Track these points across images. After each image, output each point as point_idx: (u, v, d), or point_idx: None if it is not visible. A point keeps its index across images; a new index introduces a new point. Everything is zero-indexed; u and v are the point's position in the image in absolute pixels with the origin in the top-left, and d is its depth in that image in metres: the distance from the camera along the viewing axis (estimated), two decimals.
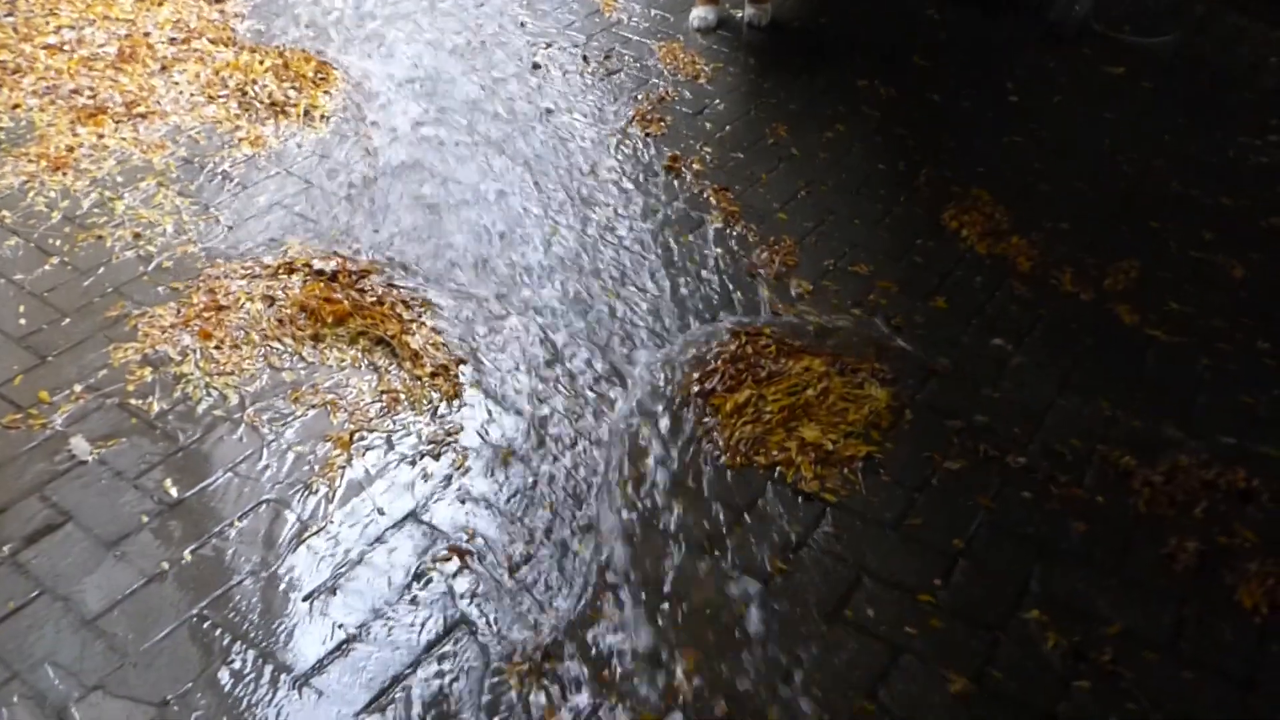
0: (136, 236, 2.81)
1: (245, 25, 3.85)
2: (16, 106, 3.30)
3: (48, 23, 3.75)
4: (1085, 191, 3.17)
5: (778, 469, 2.22)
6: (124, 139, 3.20)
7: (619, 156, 3.24)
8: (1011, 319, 2.67)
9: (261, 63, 3.58)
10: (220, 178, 3.07)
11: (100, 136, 3.19)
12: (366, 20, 3.94)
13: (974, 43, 4.01)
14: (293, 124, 3.31)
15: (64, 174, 3.03)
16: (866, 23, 4.13)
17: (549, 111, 3.40)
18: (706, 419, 2.34)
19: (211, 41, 3.72)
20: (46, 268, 2.71)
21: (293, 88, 3.46)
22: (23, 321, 2.54)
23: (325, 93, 3.46)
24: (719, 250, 2.87)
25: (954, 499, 2.19)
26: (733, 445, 2.27)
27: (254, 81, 3.48)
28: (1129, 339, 2.63)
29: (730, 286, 2.74)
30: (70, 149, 3.13)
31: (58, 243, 2.79)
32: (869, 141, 3.40)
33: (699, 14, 4.02)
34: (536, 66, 3.63)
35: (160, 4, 3.94)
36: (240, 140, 3.22)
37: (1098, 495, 2.20)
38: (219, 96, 3.42)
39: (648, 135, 3.34)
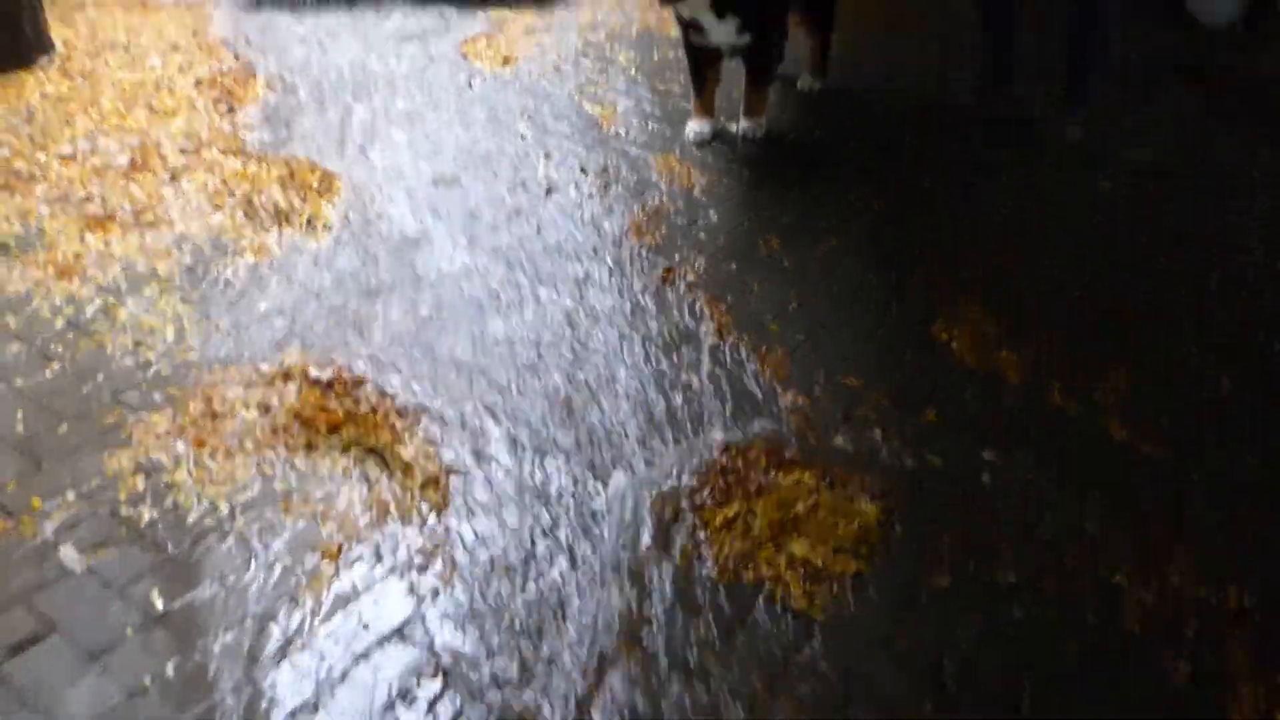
0: (137, 344, 2.86)
1: (255, 136, 3.97)
2: (28, 213, 3.39)
3: (63, 132, 3.88)
4: (1074, 304, 3.21)
5: (766, 584, 2.21)
6: (131, 247, 3.27)
7: (615, 267, 3.31)
8: (1001, 433, 2.68)
9: (268, 172, 3.69)
10: (223, 285, 3.13)
11: (107, 244, 3.27)
12: (371, 132, 4.07)
13: (965, 156, 4.12)
14: (296, 233, 3.39)
15: (70, 280, 3.09)
16: (860, 136, 4.25)
17: (549, 191, 3.55)
18: (697, 533, 2.34)
19: (221, 151, 3.83)
20: (47, 373, 2.75)
21: (298, 197, 3.56)
22: (20, 427, 2.56)
23: (329, 202, 3.55)
24: (711, 362, 2.90)
25: (944, 617, 2.18)
26: (721, 561, 2.26)
27: (260, 191, 3.58)
28: (1119, 454, 2.63)
29: (721, 398, 2.76)
30: (78, 256, 3.20)
31: (59, 348, 2.83)
32: (861, 253, 3.46)
33: (695, 126, 4.14)
34: (550, 191, 3.70)
35: (173, 115, 4.07)
36: (244, 248, 3.29)
37: (1088, 614, 2.19)
38: (225, 205, 3.51)
39: (643, 246, 3.41)
